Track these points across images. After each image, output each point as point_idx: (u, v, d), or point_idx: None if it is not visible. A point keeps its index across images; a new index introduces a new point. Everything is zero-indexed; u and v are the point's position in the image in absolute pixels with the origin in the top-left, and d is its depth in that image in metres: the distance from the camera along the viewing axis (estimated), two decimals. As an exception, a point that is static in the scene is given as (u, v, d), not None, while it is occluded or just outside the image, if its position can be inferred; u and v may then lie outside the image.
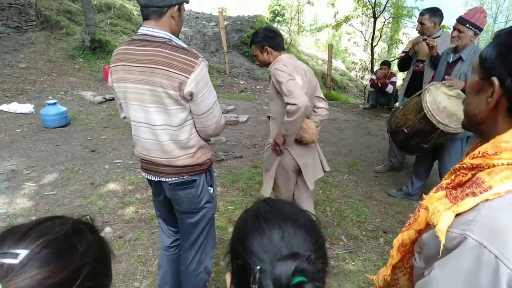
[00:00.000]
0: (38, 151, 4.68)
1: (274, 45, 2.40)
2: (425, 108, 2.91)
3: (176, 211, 1.95)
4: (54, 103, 5.55)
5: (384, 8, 10.54)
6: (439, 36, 3.87)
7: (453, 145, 3.35)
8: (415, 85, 3.94)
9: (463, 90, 2.98)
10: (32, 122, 5.66)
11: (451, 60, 3.32)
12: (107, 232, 3.08)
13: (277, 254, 0.62)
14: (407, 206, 3.73)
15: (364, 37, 13.15)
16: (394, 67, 7.58)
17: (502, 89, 0.77)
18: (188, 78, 1.57)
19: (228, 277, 0.72)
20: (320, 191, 3.95)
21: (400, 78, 8.42)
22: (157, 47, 1.59)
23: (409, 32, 11.56)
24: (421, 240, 0.87)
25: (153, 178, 1.85)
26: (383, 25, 11.53)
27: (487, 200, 0.70)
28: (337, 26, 12.16)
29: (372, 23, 10.62)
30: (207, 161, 1.88)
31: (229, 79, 9.98)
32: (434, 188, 0.90)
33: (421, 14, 3.95)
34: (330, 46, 10.26)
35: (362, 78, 12.52)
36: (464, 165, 0.81)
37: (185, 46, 1.66)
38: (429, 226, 0.84)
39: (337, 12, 12.75)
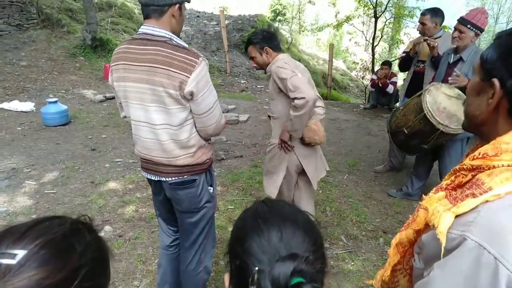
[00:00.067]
0: (38, 149, 4.69)
1: (273, 45, 2.40)
2: (425, 109, 2.91)
3: (176, 211, 1.95)
4: (55, 102, 5.55)
5: (385, 8, 10.53)
6: (440, 37, 3.87)
7: (453, 146, 3.35)
8: (415, 86, 3.94)
9: (464, 91, 2.97)
10: (32, 120, 5.66)
11: (451, 60, 3.32)
12: (107, 230, 3.08)
13: (276, 255, 0.62)
14: (407, 207, 3.73)
15: (365, 37, 13.15)
16: (395, 67, 7.58)
17: (503, 91, 0.77)
18: (189, 77, 1.56)
19: (226, 278, 0.73)
20: (320, 191, 3.95)
21: (400, 79, 8.41)
22: (157, 46, 1.59)
23: (410, 32, 11.58)
24: (420, 240, 0.87)
25: (153, 178, 1.85)
26: (384, 25, 11.54)
27: (487, 201, 0.70)
28: (338, 25, 12.17)
29: (373, 23, 10.61)
30: (207, 160, 1.88)
31: (230, 78, 9.98)
32: (434, 189, 0.89)
33: (422, 14, 3.95)
34: (331, 46, 10.25)
35: (363, 78, 12.53)
36: (464, 166, 0.81)
37: (186, 45, 1.66)
38: (428, 226, 0.84)
39: (338, 12, 12.75)
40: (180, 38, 1.71)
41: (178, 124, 1.69)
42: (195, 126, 1.76)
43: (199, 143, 1.80)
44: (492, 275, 0.65)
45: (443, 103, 2.94)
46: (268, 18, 20.46)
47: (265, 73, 2.48)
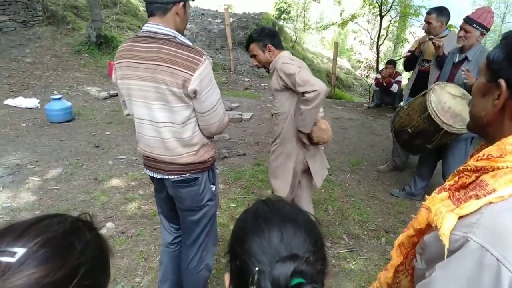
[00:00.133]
0: (42, 145, 4.71)
1: (275, 43, 2.37)
2: (429, 108, 2.89)
3: (178, 209, 1.95)
4: (59, 98, 5.58)
5: (391, 7, 10.49)
6: (445, 36, 3.84)
7: (457, 146, 3.33)
8: (420, 85, 3.91)
9: (470, 91, 2.96)
10: (37, 116, 5.69)
11: (457, 60, 3.29)
12: (109, 227, 3.09)
13: (276, 256, 0.61)
14: (410, 206, 3.71)
15: (370, 36, 13.12)
16: (400, 66, 7.54)
17: (509, 92, 0.76)
18: (192, 75, 1.56)
19: (227, 278, 0.72)
20: (323, 190, 3.94)
21: (405, 78, 8.38)
22: (161, 44, 1.58)
23: (415, 31, 11.54)
24: (423, 241, 0.87)
25: (155, 175, 1.85)
26: (389, 24, 11.50)
27: (490, 203, 0.70)
28: (343, 24, 12.13)
29: (379, 21, 10.57)
30: (210, 159, 1.87)
31: (233, 76, 9.97)
32: (437, 189, 0.89)
33: (428, 13, 3.92)
34: (336, 44, 10.21)
35: (367, 77, 12.50)
36: (468, 167, 0.81)
37: (190, 43, 1.65)
38: (430, 227, 0.83)
39: (343, 10, 12.66)
40: (185, 36, 1.70)
41: (181, 122, 1.68)
42: (198, 125, 1.76)
43: (202, 141, 1.80)
44: (494, 277, 0.65)
45: (447, 102, 2.93)
46: (273, 16, 20.44)
47: (267, 71, 2.45)
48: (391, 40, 18.16)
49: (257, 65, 2.47)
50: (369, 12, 11.59)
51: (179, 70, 1.55)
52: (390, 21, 11.51)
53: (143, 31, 1.66)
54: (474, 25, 3.06)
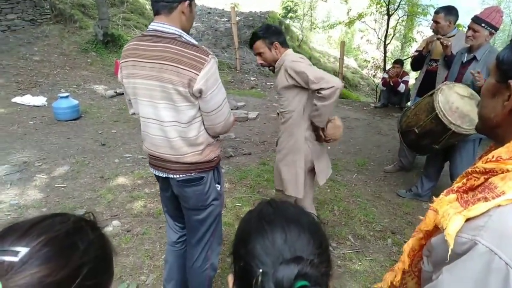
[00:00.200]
0: (49, 143, 4.75)
1: (281, 40, 2.34)
2: (437, 108, 2.87)
3: (183, 208, 1.95)
4: (66, 96, 5.62)
5: (399, 6, 10.41)
6: (453, 35, 3.80)
7: (465, 147, 3.29)
8: (428, 85, 3.88)
9: (478, 91, 2.92)
10: (44, 114, 5.73)
11: (465, 60, 3.26)
12: (115, 225, 3.10)
13: (280, 258, 0.61)
14: (416, 207, 3.69)
15: (377, 35, 13.04)
16: (407, 66, 7.49)
17: (518, 93, 0.74)
18: (198, 75, 1.56)
19: (230, 279, 0.72)
20: (328, 190, 3.93)
21: (412, 77, 8.31)
22: (167, 43, 1.58)
23: (423, 30, 11.45)
24: (430, 243, 0.86)
25: (161, 174, 1.86)
26: (397, 23, 11.42)
27: (499, 205, 0.69)
28: (350, 23, 12.07)
29: (386, 20, 10.50)
30: (215, 158, 1.87)
31: (239, 75, 9.97)
32: (445, 191, 0.88)
33: (436, 12, 3.88)
34: (343, 44, 10.16)
35: (374, 76, 12.43)
36: (477, 169, 0.79)
37: (195, 42, 1.65)
38: (438, 229, 0.83)
39: (350, 9, 12.60)
40: (191, 35, 1.70)
41: (187, 121, 1.68)
42: (204, 124, 1.76)
43: (207, 141, 1.80)
44: (503, 281, 0.64)
45: (455, 102, 2.90)
46: (279, 15, 20.40)
47: (272, 70, 2.41)
48: (398, 40, 18.05)
49: (261, 64, 2.42)
50: (376, 11, 11.53)
51: (185, 69, 1.55)
52: (398, 20, 11.43)
53: (149, 30, 1.67)
54: (483, 25, 3.03)
